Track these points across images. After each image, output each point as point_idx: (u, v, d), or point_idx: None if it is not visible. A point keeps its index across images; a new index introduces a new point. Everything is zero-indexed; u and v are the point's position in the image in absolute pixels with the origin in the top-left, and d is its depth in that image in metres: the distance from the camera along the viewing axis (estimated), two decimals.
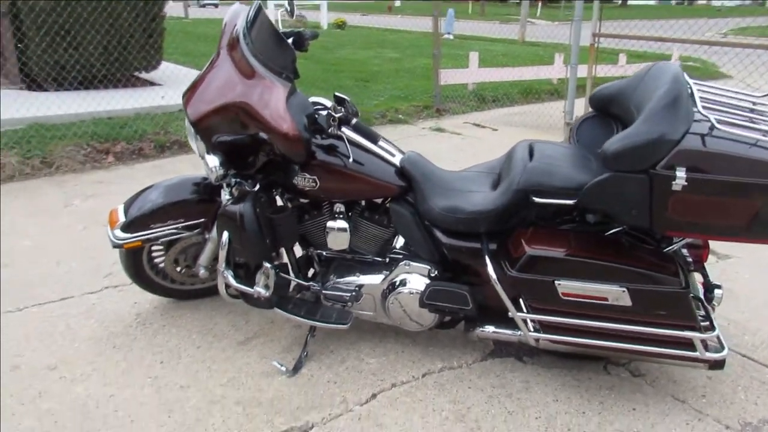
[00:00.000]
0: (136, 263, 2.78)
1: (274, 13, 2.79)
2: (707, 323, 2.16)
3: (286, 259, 2.67)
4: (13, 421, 2.20)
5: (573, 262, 2.10)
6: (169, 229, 2.66)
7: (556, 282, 2.11)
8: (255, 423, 2.22)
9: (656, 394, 2.42)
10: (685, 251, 2.33)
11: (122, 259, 2.78)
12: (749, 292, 3.23)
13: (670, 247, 2.22)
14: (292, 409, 2.30)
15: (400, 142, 6.18)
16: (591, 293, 2.09)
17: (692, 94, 2.05)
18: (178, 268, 2.88)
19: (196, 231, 2.72)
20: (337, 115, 2.27)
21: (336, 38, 15.94)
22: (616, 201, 2.02)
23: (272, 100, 2.20)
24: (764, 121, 2.06)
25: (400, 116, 7.32)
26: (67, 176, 5.04)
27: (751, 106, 2.20)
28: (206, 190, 2.68)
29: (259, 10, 2.38)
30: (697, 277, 2.40)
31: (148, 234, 2.64)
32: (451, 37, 16.60)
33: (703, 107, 1.99)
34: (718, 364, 2.21)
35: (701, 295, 2.27)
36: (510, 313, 2.26)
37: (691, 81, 2.15)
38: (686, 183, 1.90)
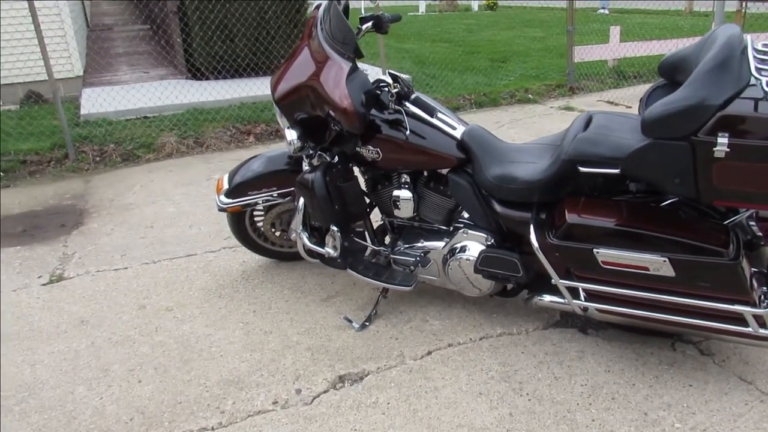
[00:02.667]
0: (239, 226, 3.20)
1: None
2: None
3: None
4: (133, 348, 2.70)
5: (611, 230, 2.10)
6: (264, 196, 3.03)
7: (594, 250, 2.12)
8: (318, 366, 2.51)
9: (721, 373, 2.32)
10: (754, 225, 2.20)
11: (229, 222, 3.22)
12: None
13: (731, 219, 2.12)
14: (353, 358, 2.55)
15: (523, 122, 6.24)
16: (631, 262, 2.08)
17: (746, 56, 1.94)
18: (276, 232, 3.26)
19: (288, 198, 3.06)
20: (394, 91, 2.46)
21: (484, 20, 15.84)
22: (657, 169, 1.99)
23: (334, 79, 2.44)
24: None
25: (530, 96, 7.22)
26: (214, 154, 5.74)
27: None
28: (298, 162, 3.01)
29: (331, 2, 2.62)
30: None
31: (246, 200, 3.03)
32: (606, 12, 15.70)
33: (757, 69, 1.88)
34: None
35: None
36: (553, 281, 2.31)
37: (751, 43, 2.02)
38: (729, 149, 1.83)
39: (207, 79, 7.55)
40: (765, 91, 1.81)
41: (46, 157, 5.43)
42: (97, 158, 5.51)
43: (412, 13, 18.34)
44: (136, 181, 5.00)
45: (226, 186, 3.07)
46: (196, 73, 7.60)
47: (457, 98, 7.06)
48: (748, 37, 2.06)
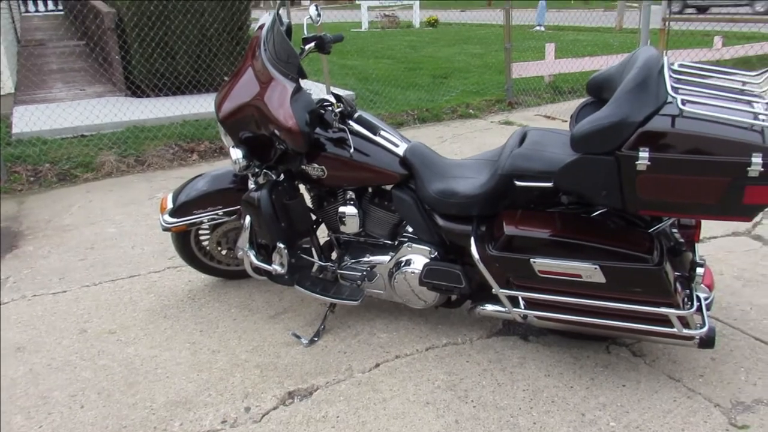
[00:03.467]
0: (185, 245, 3.18)
1: (310, 17, 2.93)
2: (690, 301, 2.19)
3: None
4: (75, 373, 2.64)
5: (547, 240, 2.21)
6: (210, 215, 3.02)
7: (531, 260, 2.23)
8: (267, 383, 2.52)
9: (651, 372, 2.46)
10: (676, 232, 2.36)
11: (174, 242, 3.19)
12: None
13: (655, 227, 2.27)
14: (302, 373, 2.58)
15: (465, 136, 6.40)
16: (565, 270, 2.19)
17: (663, 75, 2.10)
18: (222, 250, 3.25)
19: (234, 217, 3.06)
20: (338, 110, 2.52)
21: (425, 36, 16.17)
22: (586, 182, 2.12)
23: (278, 99, 2.48)
24: (749, 100, 2.07)
25: (471, 111, 7.43)
26: (156, 173, 5.65)
27: (740, 86, 2.21)
28: (244, 180, 3.02)
29: (274, 20, 2.67)
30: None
31: (192, 219, 3.02)
32: (542, 29, 16.29)
33: (673, 88, 2.03)
34: (706, 343, 2.23)
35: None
36: (494, 290, 2.41)
37: (668, 63, 2.19)
38: (650, 163, 1.96)
39: (147, 96, 7.42)
40: (680, 109, 1.96)
41: None
42: (32, 178, 5.34)
43: (354, 30, 18.52)
44: (73, 201, 4.87)
45: (170, 205, 3.05)
46: (136, 90, 7.46)
47: (400, 114, 7.19)
48: (665, 58, 2.23)
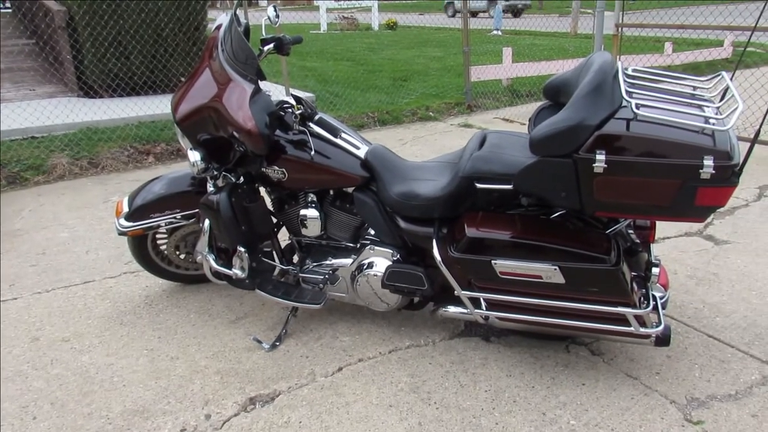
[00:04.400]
0: (141, 250, 3.10)
1: (270, 18, 2.89)
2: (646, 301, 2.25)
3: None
4: (26, 383, 2.54)
5: (507, 242, 2.24)
6: (167, 218, 2.96)
7: (492, 261, 2.25)
8: (228, 389, 2.47)
9: (609, 371, 2.51)
10: (632, 233, 2.42)
11: (130, 246, 3.11)
12: (736, 276, 3.23)
13: (612, 228, 2.32)
14: (263, 378, 2.54)
15: (425, 139, 6.44)
16: (525, 271, 2.22)
17: (617, 80, 2.15)
18: (180, 255, 3.19)
19: (192, 220, 3.00)
20: (297, 112, 2.50)
21: (384, 39, 16.21)
22: (545, 185, 2.15)
23: (237, 101, 2.44)
24: (699, 105, 2.13)
25: (431, 113, 7.47)
26: (111, 175, 5.51)
27: (691, 90, 2.28)
28: (202, 183, 2.96)
29: (232, 21, 2.63)
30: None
31: (149, 222, 2.95)
32: (499, 33, 16.53)
33: (627, 92, 2.08)
34: (662, 341, 2.29)
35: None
36: (456, 292, 2.42)
37: (622, 68, 2.24)
38: (606, 165, 2.00)
39: (101, 97, 7.23)
40: (635, 113, 2.01)
41: None
42: None
43: (313, 32, 18.44)
44: (24, 205, 4.71)
45: (126, 209, 2.97)
46: (88, 90, 7.26)
47: (361, 116, 7.19)
48: (620, 63, 2.28)
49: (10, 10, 16.23)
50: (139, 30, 7.15)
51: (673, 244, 3.71)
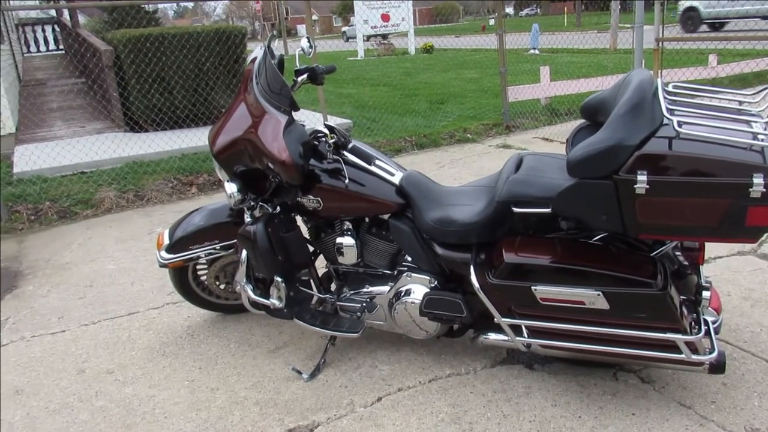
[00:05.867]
0: (182, 281, 3.14)
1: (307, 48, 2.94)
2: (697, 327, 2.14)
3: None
4: (72, 416, 2.59)
5: (547, 267, 2.17)
6: (207, 249, 2.99)
7: (533, 287, 2.18)
8: (267, 421, 2.46)
9: (661, 399, 2.39)
10: (680, 255, 2.32)
11: (171, 278, 3.16)
12: None
13: (658, 251, 2.23)
14: (302, 409, 2.52)
15: (463, 161, 6.40)
16: (567, 297, 2.15)
17: (657, 98, 2.08)
18: (220, 285, 3.22)
19: (231, 250, 3.03)
20: (331, 141, 2.51)
21: (420, 63, 16.31)
22: (585, 207, 2.09)
23: (272, 132, 2.47)
24: (747, 120, 2.05)
25: (468, 135, 7.44)
26: (156, 207, 5.64)
27: (736, 105, 2.19)
28: (240, 213, 3.00)
29: (266, 53, 2.67)
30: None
31: (189, 254, 2.99)
32: (537, 51, 16.44)
33: (668, 110, 2.02)
34: (716, 368, 2.17)
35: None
36: (495, 319, 2.36)
37: (662, 85, 2.18)
38: (648, 186, 1.93)
39: (146, 131, 7.46)
40: (677, 131, 1.94)
41: None
42: (32, 217, 5.33)
43: (351, 58, 18.72)
44: (73, 239, 4.85)
45: (166, 241, 3.02)
46: (134, 125, 7.51)
47: (398, 141, 7.20)
48: (659, 80, 2.21)
49: (62, 52, 17.04)
50: (181, 65, 7.38)
51: (725, 264, 3.55)
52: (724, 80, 9.04)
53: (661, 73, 5.92)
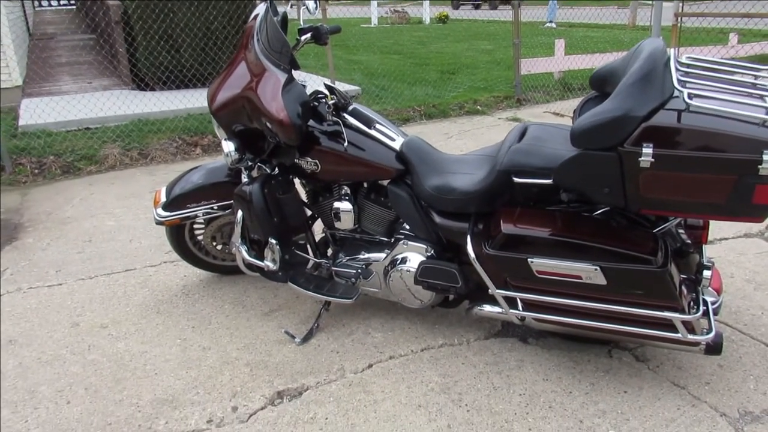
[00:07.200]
0: (179, 239, 3.12)
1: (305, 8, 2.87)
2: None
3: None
4: (63, 367, 2.59)
5: (545, 240, 2.12)
6: (204, 209, 2.96)
7: (529, 259, 2.14)
8: (257, 382, 2.45)
9: (655, 378, 2.37)
10: (683, 233, 2.26)
11: (168, 236, 3.13)
12: None
13: (661, 228, 2.17)
14: (292, 372, 2.51)
15: (471, 133, 6.31)
16: (564, 271, 2.10)
17: (669, 68, 2.00)
18: (217, 245, 3.19)
19: (229, 211, 2.99)
20: (331, 102, 2.44)
21: (434, 32, 16.04)
22: (587, 179, 2.03)
23: (271, 91, 2.41)
24: (761, 95, 1.96)
25: (478, 107, 7.32)
26: (159, 166, 5.60)
27: (751, 80, 2.10)
28: (239, 174, 2.95)
29: (267, 10, 2.59)
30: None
31: (186, 213, 2.96)
32: (554, 25, 16.13)
33: (679, 81, 1.94)
34: (712, 349, 2.13)
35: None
36: (490, 290, 2.32)
37: (675, 56, 2.09)
38: (653, 159, 1.87)
39: (152, 89, 7.39)
40: (687, 103, 1.86)
41: None
42: (36, 170, 5.31)
43: (364, 26, 18.42)
44: (75, 194, 4.83)
45: (163, 199, 2.98)
46: (141, 83, 7.43)
47: (406, 110, 7.10)
48: (671, 50, 2.13)
49: (74, 7, 16.88)
50: (189, 24, 7.26)
51: (730, 245, 3.49)
52: (744, 59, 8.81)
53: (678, 50, 5.76)
